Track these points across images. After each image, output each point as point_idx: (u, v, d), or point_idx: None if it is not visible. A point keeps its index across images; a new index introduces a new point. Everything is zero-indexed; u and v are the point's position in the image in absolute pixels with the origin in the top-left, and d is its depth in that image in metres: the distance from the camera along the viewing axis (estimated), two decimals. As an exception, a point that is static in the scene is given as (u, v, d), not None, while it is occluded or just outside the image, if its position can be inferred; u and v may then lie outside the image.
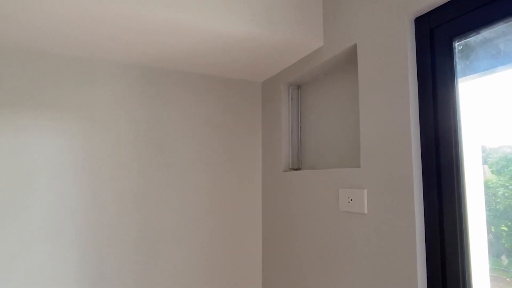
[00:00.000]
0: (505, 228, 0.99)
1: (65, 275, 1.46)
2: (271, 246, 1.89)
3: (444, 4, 1.03)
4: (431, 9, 1.07)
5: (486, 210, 1.01)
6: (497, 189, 1.01)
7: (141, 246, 1.66)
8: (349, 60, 1.50)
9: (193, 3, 1.26)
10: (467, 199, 1.00)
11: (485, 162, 1.04)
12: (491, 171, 1.02)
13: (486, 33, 0.99)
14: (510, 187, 0.98)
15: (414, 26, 1.13)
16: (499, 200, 1.01)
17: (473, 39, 1.02)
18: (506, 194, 0.99)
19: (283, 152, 1.85)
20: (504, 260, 0.99)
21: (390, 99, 1.17)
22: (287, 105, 1.88)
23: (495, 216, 1.01)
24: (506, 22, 0.93)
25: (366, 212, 1.24)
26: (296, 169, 1.83)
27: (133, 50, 1.55)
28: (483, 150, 1.04)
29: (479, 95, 1.04)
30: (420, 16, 1.11)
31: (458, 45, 1.04)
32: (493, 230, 1.01)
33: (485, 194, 1.02)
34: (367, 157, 1.25)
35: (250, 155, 2.03)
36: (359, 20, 1.32)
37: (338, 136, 1.60)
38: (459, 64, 1.05)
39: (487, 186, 1.02)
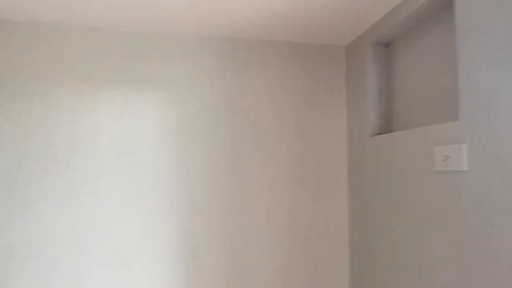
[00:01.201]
0: None
1: (162, 221, 1.62)
2: (358, 216, 1.84)
3: None
4: None
5: None
6: None
7: (229, 210, 1.78)
8: (442, 5, 1.34)
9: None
10: None
11: None
12: None
13: None
14: None
15: None
16: None
17: None
18: None
19: (370, 116, 1.76)
20: None
21: (495, 43, 1.01)
22: (374, 66, 1.77)
23: None
24: None
25: (465, 169, 1.11)
26: (384, 133, 1.73)
27: (212, 21, 1.63)
28: None
29: None
30: None
31: None
32: None
33: None
34: (467, 108, 1.11)
35: (334, 122, 1.98)
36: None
37: (429, 91, 1.45)
38: None
39: None
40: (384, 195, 1.60)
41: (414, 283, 1.36)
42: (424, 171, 1.32)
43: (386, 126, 1.77)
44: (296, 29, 1.76)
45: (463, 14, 1.13)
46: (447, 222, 1.19)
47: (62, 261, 1.50)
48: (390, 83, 1.76)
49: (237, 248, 1.74)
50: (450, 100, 1.34)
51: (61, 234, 1.49)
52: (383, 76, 1.77)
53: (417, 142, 1.37)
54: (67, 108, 1.52)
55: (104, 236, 1.52)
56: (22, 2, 1.35)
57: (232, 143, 1.78)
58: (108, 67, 1.59)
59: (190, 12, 1.50)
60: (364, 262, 1.77)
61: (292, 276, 1.84)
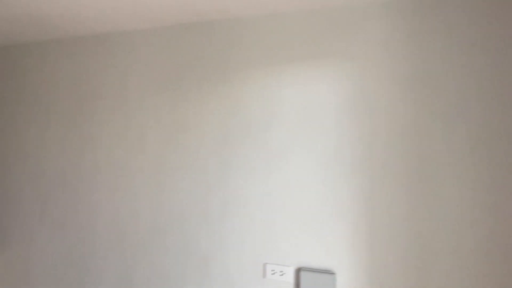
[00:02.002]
0: None
1: (341, 198, 1.57)
2: None
3: None
4: None
5: None
6: None
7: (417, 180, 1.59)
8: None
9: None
10: None
11: None
12: None
13: None
14: None
15: None
16: None
17: None
18: None
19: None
20: None
21: None
22: None
23: None
24: None
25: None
26: None
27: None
28: None
29: None
30: None
31: None
32: None
33: None
34: None
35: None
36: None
37: None
38: None
39: None
40: None
41: None
42: None
43: None
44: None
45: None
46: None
47: (255, 223, 1.60)
48: None
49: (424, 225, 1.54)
50: None
51: (255, 200, 1.61)
52: None
53: None
54: (258, 90, 1.65)
55: (293, 203, 1.59)
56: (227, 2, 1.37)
57: (417, 115, 1.56)
58: (292, 47, 1.66)
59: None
60: None
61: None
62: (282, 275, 1.53)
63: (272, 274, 1.54)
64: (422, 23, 1.62)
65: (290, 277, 1.53)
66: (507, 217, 1.45)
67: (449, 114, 1.59)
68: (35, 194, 1.94)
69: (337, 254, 1.50)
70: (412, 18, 1.63)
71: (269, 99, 1.65)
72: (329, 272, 1.46)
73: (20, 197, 1.98)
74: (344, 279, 1.47)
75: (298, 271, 1.52)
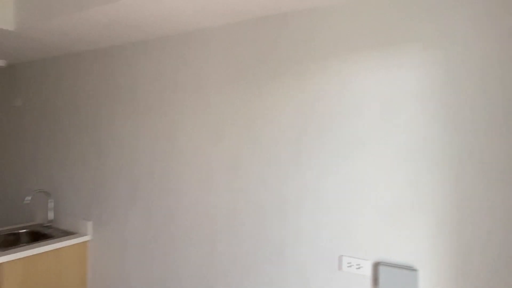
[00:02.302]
0: None
1: (424, 190, 1.50)
2: None
3: None
4: None
5: None
6: None
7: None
8: None
9: None
10: None
11: None
12: None
13: None
14: None
15: None
16: None
17: None
18: None
19: None
20: None
21: None
22: None
23: None
24: None
25: None
26: None
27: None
28: None
29: None
30: None
31: None
32: None
33: None
34: None
35: None
36: None
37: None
38: None
39: None
40: None
41: None
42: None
43: None
44: None
45: None
46: None
47: (331, 215, 1.59)
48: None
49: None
50: None
51: (331, 191, 1.61)
52: None
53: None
54: (336, 80, 1.63)
55: (372, 195, 1.56)
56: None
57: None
58: (371, 34, 1.60)
59: None
60: None
61: None
62: (358, 268, 1.50)
63: (348, 266, 1.52)
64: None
65: (367, 271, 1.49)
66: None
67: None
68: (128, 180, 2.16)
69: (420, 250, 1.42)
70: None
71: (348, 90, 1.60)
72: (410, 269, 1.39)
73: (115, 182, 2.23)
74: (427, 276, 1.39)
75: (376, 265, 1.47)
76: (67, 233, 2.34)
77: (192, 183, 1.90)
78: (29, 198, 2.35)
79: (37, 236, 2.37)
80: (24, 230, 2.42)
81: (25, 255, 1.98)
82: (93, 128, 2.33)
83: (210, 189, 1.85)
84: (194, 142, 1.90)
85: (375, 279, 1.47)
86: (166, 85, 2.01)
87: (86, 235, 2.31)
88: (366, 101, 1.58)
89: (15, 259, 1.95)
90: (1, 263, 1.90)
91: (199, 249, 1.88)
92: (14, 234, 2.37)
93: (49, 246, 2.10)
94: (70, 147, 2.47)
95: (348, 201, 1.56)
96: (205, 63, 1.87)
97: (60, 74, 2.54)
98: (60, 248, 2.17)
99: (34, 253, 2.03)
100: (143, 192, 2.09)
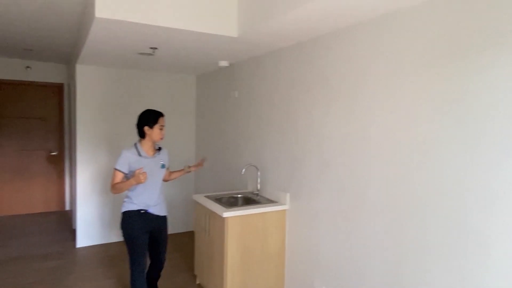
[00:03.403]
0: None
1: None
2: None
3: None
4: None
5: None
6: None
7: None
8: None
9: None
10: None
11: None
12: None
13: None
14: None
15: None
16: None
17: None
18: None
19: None
20: None
21: None
22: None
23: None
24: None
25: None
26: None
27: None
28: None
29: None
30: None
31: None
32: None
33: None
34: None
35: None
36: None
37: None
38: None
39: None
40: None
41: None
42: None
43: None
44: None
45: None
46: None
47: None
48: None
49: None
50: None
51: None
52: None
53: None
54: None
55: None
56: None
57: None
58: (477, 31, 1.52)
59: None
60: None
61: None
62: None
63: None
64: None
65: None
66: None
67: None
68: (319, 157, 2.41)
69: None
70: None
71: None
72: None
73: (307, 158, 2.51)
74: None
75: None
76: (270, 201, 2.81)
77: (383, 166, 1.95)
78: (244, 170, 2.95)
79: (249, 201, 2.96)
80: (240, 195, 3.06)
81: (241, 214, 2.53)
82: (291, 113, 2.69)
83: (404, 170, 1.84)
84: (384, 126, 1.93)
85: None
86: (357, 73, 2.10)
87: (284, 204, 2.72)
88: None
89: (235, 215, 2.52)
90: (227, 217, 2.49)
91: (388, 230, 1.92)
92: (234, 197, 3.04)
93: (257, 209, 2.60)
94: (272, 130, 2.93)
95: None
96: (399, 46, 1.86)
97: (264, 70, 3.03)
98: (265, 212, 2.65)
99: (247, 213, 2.56)
100: (334, 169, 2.28)
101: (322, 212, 2.38)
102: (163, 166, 2.53)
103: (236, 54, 3.09)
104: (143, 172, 2.23)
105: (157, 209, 2.50)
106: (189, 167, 2.82)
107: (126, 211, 2.42)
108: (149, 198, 2.44)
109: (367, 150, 2.04)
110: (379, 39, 1.96)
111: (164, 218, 2.58)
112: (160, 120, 2.44)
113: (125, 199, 2.46)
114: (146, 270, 2.51)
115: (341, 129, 2.22)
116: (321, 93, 2.38)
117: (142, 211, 2.42)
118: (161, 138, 2.46)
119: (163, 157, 2.55)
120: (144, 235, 2.42)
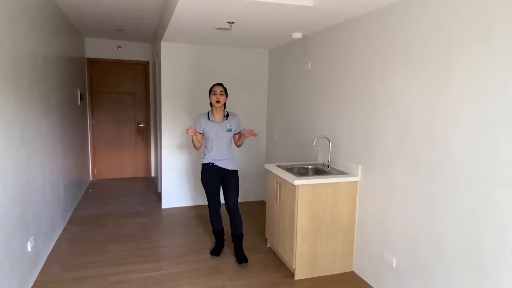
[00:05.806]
0: None
1: None
2: None
3: None
4: None
5: None
6: None
7: None
8: None
9: None
10: None
11: None
12: None
13: None
14: None
15: None
16: None
17: None
18: None
19: None
20: None
21: None
22: None
23: None
24: None
25: None
26: None
27: None
28: None
29: None
30: None
31: None
32: None
33: None
34: None
35: None
36: None
37: None
38: None
39: None
40: None
41: None
42: None
43: None
44: None
45: None
46: None
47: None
48: None
49: None
50: None
51: None
52: None
53: None
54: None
55: None
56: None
57: None
58: None
59: None
60: None
61: None
62: None
63: None
64: None
65: None
66: None
67: None
68: (396, 130, 2.34)
69: None
70: None
71: None
72: None
73: (383, 133, 2.45)
74: None
75: None
76: (341, 173, 2.83)
77: (465, 142, 1.83)
78: (315, 142, 2.98)
79: (319, 172, 3.01)
80: (311, 166, 3.12)
81: (312, 183, 2.60)
82: (367, 85, 2.62)
83: (485, 147, 1.72)
84: (468, 97, 1.80)
85: None
86: (442, 40, 1.96)
87: (356, 176, 2.71)
88: None
89: (306, 184, 2.59)
90: (298, 185, 2.58)
91: (468, 206, 1.83)
92: (305, 168, 3.11)
93: (328, 179, 2.64)
94: (345, 101, 2.89)
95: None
96: (489, 6, 1.69)
97: (338, 40, 2.97)
98: (335, 182, 2.68)
99: (318, 182, 2.62)
100: (411, 143, 2.20)
101: (397, 186, 2.34)
102: (229, 130, 2.97)
103: (310, 24, 3.07)
104: (191, 129, 2.79)
105: (224, 163, 2.97)
106: (244, 129, 2.99)
107: (202, 164, 3.04)
108: (216, 154, 2.95)
109: (450, 124, 1.93)
110: (468, 1, 1.80)
111: (232, 172, 3.00)
112: (214, 88, 2.91)
113: (202, 155, 3.05)
114: (219, 208, 3.06)
115: (422, 101, 2.12)
116: (402, 63, 2.28)
117: (211, 164, 2.97)
118: (217, 101, 2.87)
119: (230, 122, 2.98)
120: (214, 182, 2.97)
